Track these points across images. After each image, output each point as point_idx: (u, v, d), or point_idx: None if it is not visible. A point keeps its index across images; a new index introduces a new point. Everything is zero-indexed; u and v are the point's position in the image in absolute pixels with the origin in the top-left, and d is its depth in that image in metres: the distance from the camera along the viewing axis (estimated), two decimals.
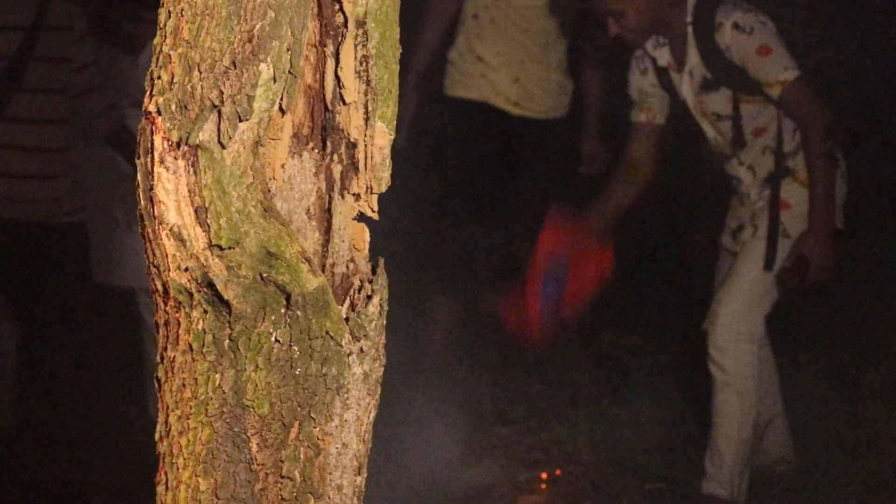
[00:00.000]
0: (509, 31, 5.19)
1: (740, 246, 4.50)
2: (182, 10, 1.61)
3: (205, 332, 1.67)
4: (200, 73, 1.61)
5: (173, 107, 1.62)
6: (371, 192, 1.78)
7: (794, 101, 4.24)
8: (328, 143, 1.75)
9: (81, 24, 4.29)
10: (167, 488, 1.76)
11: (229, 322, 1.66)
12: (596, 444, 4.94)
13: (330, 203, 1.77)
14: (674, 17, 4.34)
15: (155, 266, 1.68)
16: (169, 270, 1.66)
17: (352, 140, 1.75)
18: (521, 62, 5.21)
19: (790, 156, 4.36)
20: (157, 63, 1.64)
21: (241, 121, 1.62)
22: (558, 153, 5.40)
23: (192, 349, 1.68)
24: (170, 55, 1.62)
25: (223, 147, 1.62)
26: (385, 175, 1.77)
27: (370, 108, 1.73)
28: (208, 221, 1.63)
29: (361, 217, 1.81)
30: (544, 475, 4.74)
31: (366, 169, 1.76)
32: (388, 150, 1.76)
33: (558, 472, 4.78)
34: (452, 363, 5.34)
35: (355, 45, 1.71)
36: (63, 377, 4.25)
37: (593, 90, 5.40)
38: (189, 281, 1.66)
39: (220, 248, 1.64)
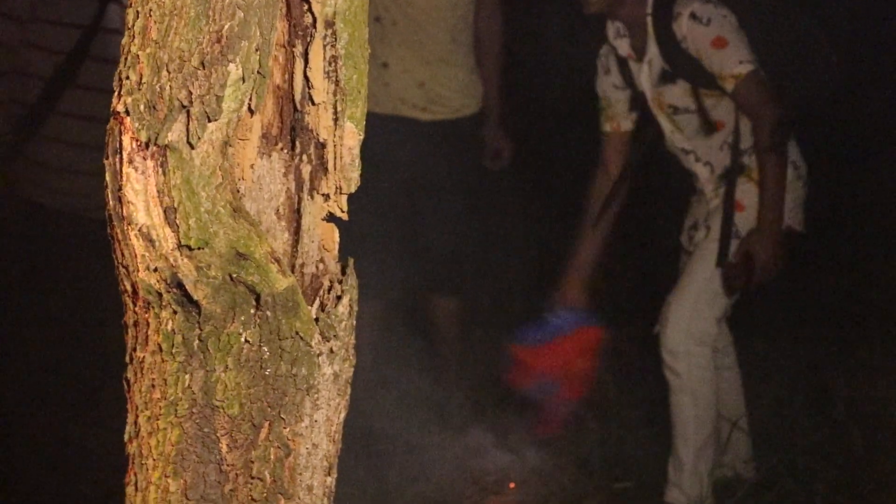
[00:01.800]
0: (413, 33, 5.04)
1: (693, 246, 4.50)
2: (150, 10, 1.61)
3: (174, 333, 1.66)
4: (169, 73, 1.61)
5: (142, 107, 1.62)
6: (340, 193, 1.78)
7: (745, 95, 4.23)
8: (297, 144, 1.76)
9: None
10: (137, 489, 1.75)
11: (199, 322, 1.66)
12: (563, 444, 4.95)
13: (299, 203, 1.77)
14: (635, 5, 4.36)
15: (124, 266, 1.68)
16: (138, 271, 1.66)
17: (321, 140, 1.75)
18: (426, 64, 5.05)
19: (746, 153, 4.35)
20: (125, 63, 1.64)
21: (209, 121, 1.62)
22: (477, 150, 5.31)
23: (161, 350, 1.68)
24: (138, 55, 1.62)
25: (192, 147, 1.62)
26: (354, 175, 1.77)
27: (339, 109, 1.73)
28: (177, 222, 1.63)
29: (331, 217, 1.81)
30: (511, 475, 4.75)
31: (335, 169, 1.76)
32: (357, 151, 1.77)
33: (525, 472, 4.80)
34: (419, 369, 5.34)
35: (324, 46, 1.71)
36: (46, 375, 4.24)
37: (492, 81, 5.29)
38: (158, 281, 1.65)
39: (190, 248, 1.63)
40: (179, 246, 1.64)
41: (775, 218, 4.25)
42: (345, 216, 1.80)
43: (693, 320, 4.36)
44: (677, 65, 4.31)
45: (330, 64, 1.72)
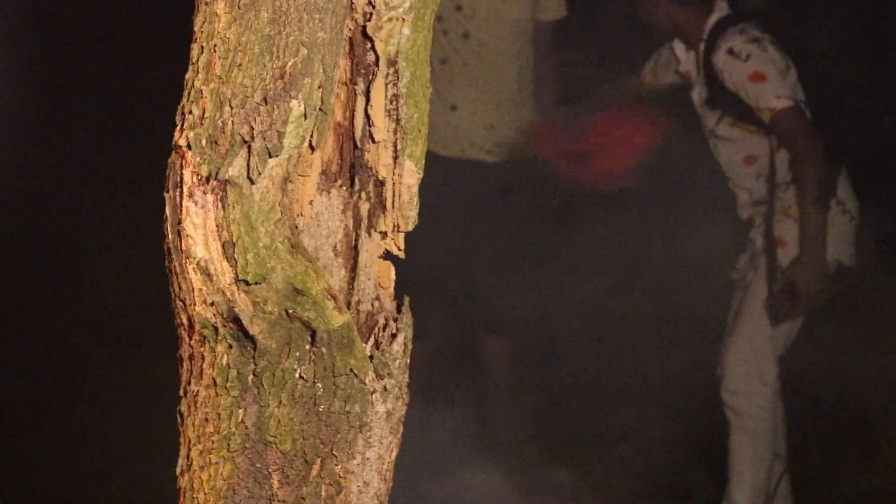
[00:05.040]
0: (484, 75, 4.99)
1: (745, 283, 4.50)
2: (215, 45, 1.62)
3: (229, 367, 1.67)
4: (231, 108, 1.61)
5: (204, 142, 1.62)
6: (398, 231, 1.78)
7: (784, 128, 4.21)
8: (356, 181, 1.76)
9: None
10: None
11: (254, 357, 1.66)
12: (609, 490, 4.92)
13: (357, 240, 1.78)
14: (694, 27, 4.39)
15: (181, 300, 1.68)
16: (195, 304, 1.66)
17: (380, 178, 1.75)
18: (496, 105, 5.05)
19: (781, 187, 4.34)
20: (188, 98, 1.65)
21: (270, 157, 1.62)
22: (538, 190, 5.29)
23: (215, 384, 1.68)
24: (201, 90, 1.63)
25: (252, 182, 1.63)
26: (412, 214, 1.77)
27: (399, 147, 1.74)
28: (235, 256, 1.63)
29: (387, 255, 1.81)
30: None
31: (393, 207, 1.76)
32: (416, 189, 1.77)
33: None
34: (468, 408, 5.32)
35: (386, 84, 1.72)
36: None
37: (547, 118, 5.26)
38: (215, 315, 1.66)
39: (247, 283, 1.64)
40: (237, 280, 1.64)
41: (815, 248, 4.23)
42: (402, 254, 1.80)
43: (752, 360, 4.37)
44: (715, 95, 4.34)
45: (391, 102, 1.72)
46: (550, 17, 5.10)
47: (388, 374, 1.73)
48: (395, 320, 1.78)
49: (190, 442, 1.73)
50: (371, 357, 1.72)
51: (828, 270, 4.27)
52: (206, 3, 1.64)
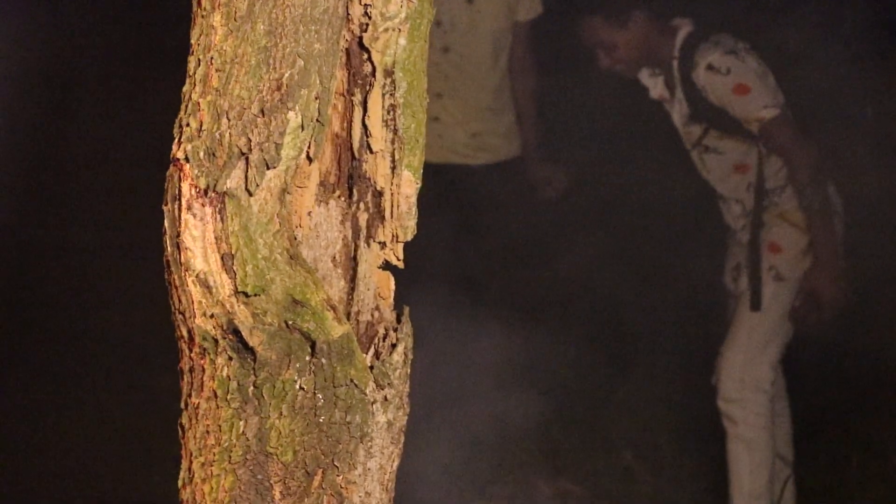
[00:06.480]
0: (464, 85, 5.07)
1: (739, 291, 4.49)
2: (212, 58, 1.62)
3: (229, 379, 1.67)
4: (229, 120, 1.62)
5: (201, 154, 1.63)
6: (397, 241, 1.78)
7: (773, 137, 4.22)
8: (355, 192, 1.76)
9: None
10: None
11: (254, 369, 1.66)
12: (615, 497, 4.91)
13: (356, 251, 1.78)
14: (662, 51, 4.38)
15: (181, 312, 1.68)
16: (194, 317, 1.66)
17: (378, 188, 1.75)
18: (477, 113, 5.12)
19: (776, 192, 4.34)
20: (185, 110, 1.65)
21: (268, 168, 1.63)
22: (524, 190, 5.31)
23: (216, 396, 1.68)
24: (199, 103, 1.63)
25: (250, 194, 1.63)
26: (411, 224, 1.77)
27: (397, 157, 1.74)
28: (234, 268, 1.64)
29: (387, 265, 1.82)
30: None
31: (392, 217, 1.76)
32: (414, 199, 1.77)
33: None
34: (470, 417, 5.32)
35: (383, 95, 1.72)
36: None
37: (528, 114, 5.28)
38: (214, 327, 1.66)
39: (246, 294, 1.64)
40: (236, 292, 1.64)
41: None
42: (401, 264, 1.80)
43: (747, 368, 4.36)
44: (700, 110, 4.33)
45: (388, 112, 1.72)
46: (526, 16, 5.13)
47: (389, 384, 1.73)
48: (396, 330, 1.78)
49: (191, 454, 1.73)
50: (371, 367, 1.72)
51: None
52: (203, 16, 1.64)
